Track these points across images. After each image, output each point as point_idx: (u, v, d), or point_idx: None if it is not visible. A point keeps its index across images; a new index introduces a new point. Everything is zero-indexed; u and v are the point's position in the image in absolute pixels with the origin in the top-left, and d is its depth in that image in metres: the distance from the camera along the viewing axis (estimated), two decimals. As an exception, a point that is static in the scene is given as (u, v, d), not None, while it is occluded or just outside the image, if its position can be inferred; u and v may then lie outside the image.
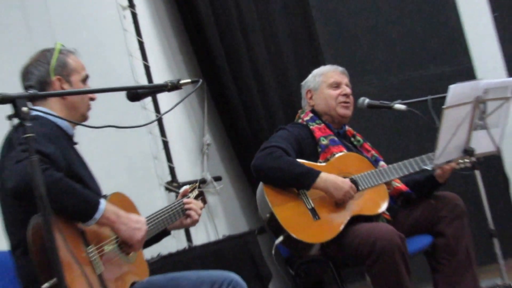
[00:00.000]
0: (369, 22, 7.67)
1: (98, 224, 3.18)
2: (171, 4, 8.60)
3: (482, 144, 4.37)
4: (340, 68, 4.81)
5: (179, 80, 3.35)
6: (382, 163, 4.65)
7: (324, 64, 5.08)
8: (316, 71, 4.83)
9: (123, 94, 3.40)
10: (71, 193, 3.10)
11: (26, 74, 3.54)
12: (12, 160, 3.08)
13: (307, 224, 4.27)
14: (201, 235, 8.17)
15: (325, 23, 7.84)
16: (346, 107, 4.71)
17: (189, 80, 3.37)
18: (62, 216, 3.06)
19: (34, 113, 3.14)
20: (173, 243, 7.63)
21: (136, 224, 3.28)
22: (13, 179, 3.03)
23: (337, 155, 4.51)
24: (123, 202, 3.41)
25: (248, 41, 8.75)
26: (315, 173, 4.30)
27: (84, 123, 3.53)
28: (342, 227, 4.28)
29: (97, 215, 3.13)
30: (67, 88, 3.51)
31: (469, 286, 4.43)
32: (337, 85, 4.72)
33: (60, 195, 3.04)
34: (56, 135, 3.36)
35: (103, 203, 3.17)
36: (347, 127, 4.82)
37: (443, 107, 4.16)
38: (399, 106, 4.85)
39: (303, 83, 4.85)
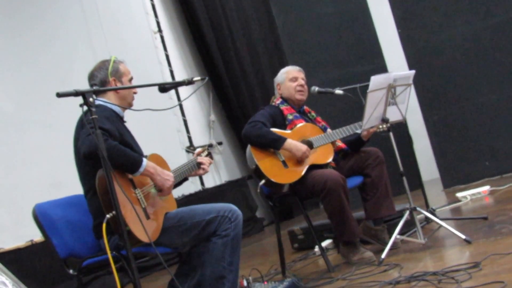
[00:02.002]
0: (317, 37, 7.67)
1: (142, 175, 3.17)
2: (185, 28, 8.55)
3: (393, 115, 4.35)
4: (297, 67, 4.75)
5: (192, 78, 3.38)
6: (328, 129, 4.61)
7: (288, 65, 5.01)
8: (282, 70, 4.77)
9: (155, 88, 3.37)
10: (123, 155, 3.10)
11: (91, 76, 3.53)
12: (84, 134, 3.08)
13: (280, 171, 4.24)
14: (210, 181, 8.17)
15: (288, 39, 7.80)
16: (301, 93, 4.65)
17: (199, 78, 3.38)
18: (118, 170, 3.06)
19: (97, 102, 3.14)
20: (191, 186, 7.64)
21: (167, 176, 3.28)
22: (85, 146, 3.04)
23: (298, 125, 4.47)
24: (158, 160, 3.39)
25: (237, 52, 8.72)
26: (283, 139, 4.27)
27: (130, 108, 3.53)
28: (303, 172, 4.25)
29: (141, 169, 3.14)
30: (119, 85, 3.49)
31: (387, 209, 4.42)
32: (295, 79, 4.66)
33: (116, 156, 3.04)
34: (112, 116, 3.35)
35: (145, 160, 3.17)
36: (305, 107, 4.77)
37: (367, 91, 4.14)
38: (338, 91, 4.82)
39: (275, 78, 4.79)
